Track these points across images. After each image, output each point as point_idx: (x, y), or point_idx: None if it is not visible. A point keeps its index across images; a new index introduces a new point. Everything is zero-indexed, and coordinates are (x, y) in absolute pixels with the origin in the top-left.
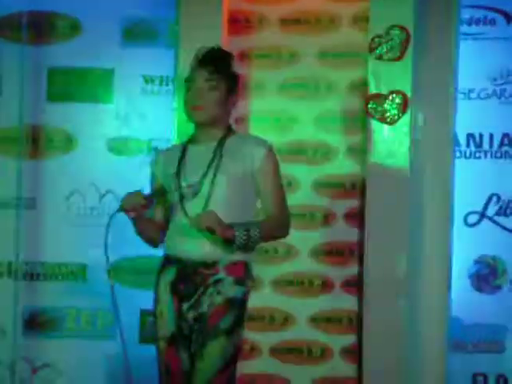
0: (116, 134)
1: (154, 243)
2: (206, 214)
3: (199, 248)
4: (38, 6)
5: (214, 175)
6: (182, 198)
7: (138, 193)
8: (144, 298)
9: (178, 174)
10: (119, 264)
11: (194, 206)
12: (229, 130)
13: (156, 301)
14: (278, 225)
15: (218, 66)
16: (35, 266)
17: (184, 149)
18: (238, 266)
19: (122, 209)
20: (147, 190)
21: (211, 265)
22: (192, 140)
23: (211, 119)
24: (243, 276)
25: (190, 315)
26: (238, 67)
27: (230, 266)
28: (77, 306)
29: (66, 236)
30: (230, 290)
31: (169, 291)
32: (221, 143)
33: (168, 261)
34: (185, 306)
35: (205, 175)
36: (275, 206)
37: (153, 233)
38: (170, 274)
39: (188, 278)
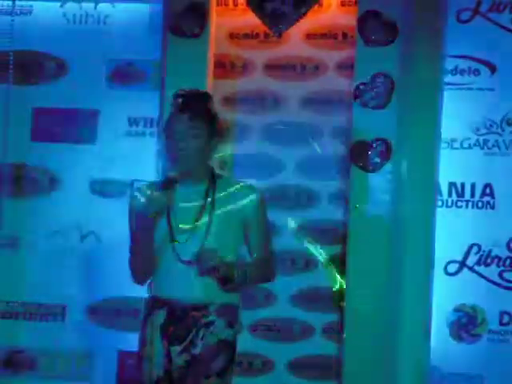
0: (99, 175)
1: (144, 276)
2: (209, 253)
3: (190, 291)
4: (24, 45)
5: (209, 220)
6: (173, 240)
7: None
8: (123, 340)
9: (167, 216)
10: (100, 305)
11: (186, 250)
12: (213, 173)
13: (143, 344)
14: (269, 268)
15: (198, 111)
16: (15, 305)
17: (169, 190)
18: (228, 309)
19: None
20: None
21: (202, 307)
22: (176, 181)
23: (194, 167)
24: (233, 319)
25: (182, 358)
26: (220, 110)
27: (221, 309)
28: (54, 347)
29: (45, 276)
30: (222, 332)
31: (158, 334)
32: (211, 187)
33: (156, 303)
34: (176, 348)
35: (197, 219)
36: (266, 250)
37: (149, 262)
38: (159, 317)
39: (179, 320)
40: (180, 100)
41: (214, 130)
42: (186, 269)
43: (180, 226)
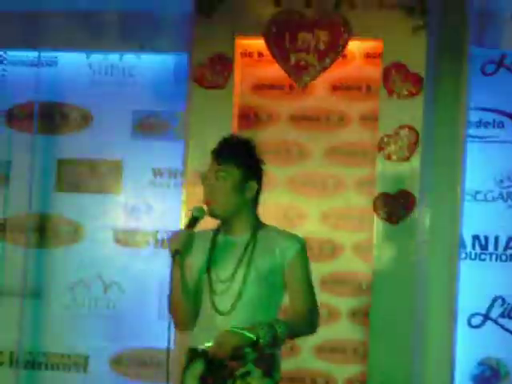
0: (123, 225)
1: (182, 321)
2: (221, 338)
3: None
4: (50, 96)
5: (246, 272)
6: (212, 291)
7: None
8: None
9: (207, 266)
10: (122, 355)
11: (223, 302)
12: (258, 222)
13: None
14: (306, 322)
15: (228, 156)
16: (37, 355)
17: (213, 239)
18: (265, 358)
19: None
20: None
21: (239, 358)
22: (220, 230)
23: (226, 211)
24: (271, 368)
25: None
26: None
27: (259, 357)
28: None
29: (69, 326)
30: (260, 382)
31: None
32: (253, 237)
33: (194, 354)
34: None
35: (236, 271)
36: (305, 302)
37: (180, 299)
38: (197, 368)
39: (216, 371)
40: (218, 144)
41: (251, 175)
42: (222, 319)
43: (219, 277)
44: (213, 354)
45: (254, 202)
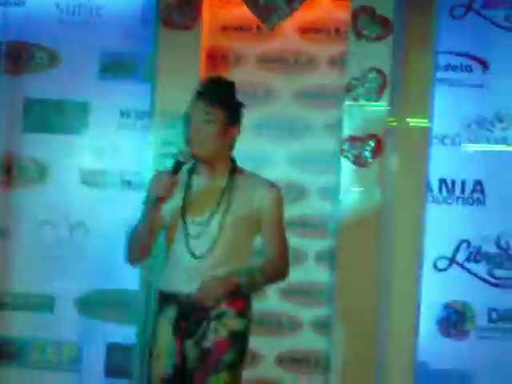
0: (90, 166)
1: (140, 254)
2: (207, 287)
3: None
4: (17, 36)
5: (223, 216)
6: (186, 233)
7: (164, 172)
8: (111, 332)
9: (183, 207)
10: (88, 296)
11: (199, 246)
12: (234, 166)
13: (153, 341)
14: (280, 268)
15: (215, 98)
16: (3, 295)
17: (188, 180)
18: (238, 298)
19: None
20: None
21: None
22: (195, 171)
23: (211, 154)
24: (244, 308)
25: (193, 352)
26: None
27: (232, 299)
28: (43, 338)
29: (35, 267)
30: (234, 322)
31: (170, 330)
32: (230, 181)
33: (166, 298)
34: (188, 343)
35: (213, 215)
36: (279, 246)
37: (148, 238)
38: (170, 312)
39: (190, 314)
40: (200, 86)
41: (233, 117)
42: (197, 262)
43: (194, 220)
44: (197, 301)
45: (233, 145)
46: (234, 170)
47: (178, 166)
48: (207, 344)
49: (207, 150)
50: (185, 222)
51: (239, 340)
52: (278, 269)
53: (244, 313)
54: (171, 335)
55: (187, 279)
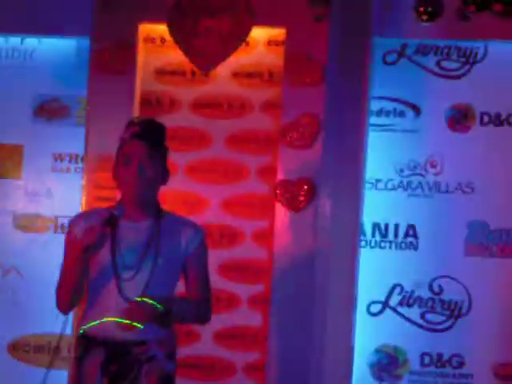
0: (23, 210)
1: (69, 306)
2: (140, 309)
3: (130, 328)
4: None
5: (154, 259)
6: (117, 277)
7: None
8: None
9: (111, 250)
10: (20, 340)
11: (131, 289)
12: (159, 207)
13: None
14: (206, 308)
15: (156, 138)
16: None
17: (112, 221)
18: (166, 341)
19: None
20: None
21: (143, 343)
22: (117, 212)
23: (148, 198)
24: (172, 351)
25: None
26: None
27: (160, 342)
28: None
29: None
30: (164, 365)
31: (99, 374)
32: (156, 223)
33: (92, 342)
34: None
35: (143, 258)
36: (204, 291)
37: (80, 288)
38: (98, 356)
39: (120, 358)
40: (138, 126)
41: (165, 163)
42: (126, 306)
43: (125, 263)
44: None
45: (160, 187)
46: (158, 210)
47: (112, 220)
48: None
49: (147, 193)
50: (115, 265)
51: (170, 382)
52: (205, 310)
53: (172, 356)
54: (99, 379)
55: (116, 322)
